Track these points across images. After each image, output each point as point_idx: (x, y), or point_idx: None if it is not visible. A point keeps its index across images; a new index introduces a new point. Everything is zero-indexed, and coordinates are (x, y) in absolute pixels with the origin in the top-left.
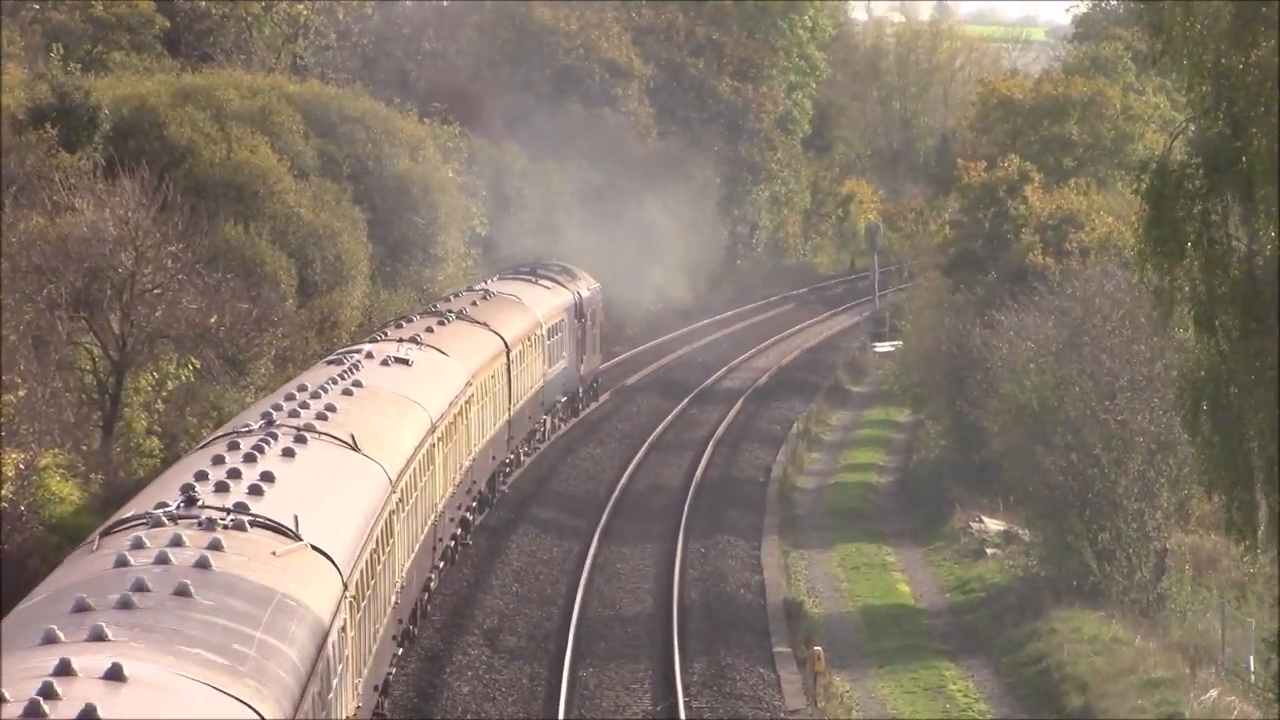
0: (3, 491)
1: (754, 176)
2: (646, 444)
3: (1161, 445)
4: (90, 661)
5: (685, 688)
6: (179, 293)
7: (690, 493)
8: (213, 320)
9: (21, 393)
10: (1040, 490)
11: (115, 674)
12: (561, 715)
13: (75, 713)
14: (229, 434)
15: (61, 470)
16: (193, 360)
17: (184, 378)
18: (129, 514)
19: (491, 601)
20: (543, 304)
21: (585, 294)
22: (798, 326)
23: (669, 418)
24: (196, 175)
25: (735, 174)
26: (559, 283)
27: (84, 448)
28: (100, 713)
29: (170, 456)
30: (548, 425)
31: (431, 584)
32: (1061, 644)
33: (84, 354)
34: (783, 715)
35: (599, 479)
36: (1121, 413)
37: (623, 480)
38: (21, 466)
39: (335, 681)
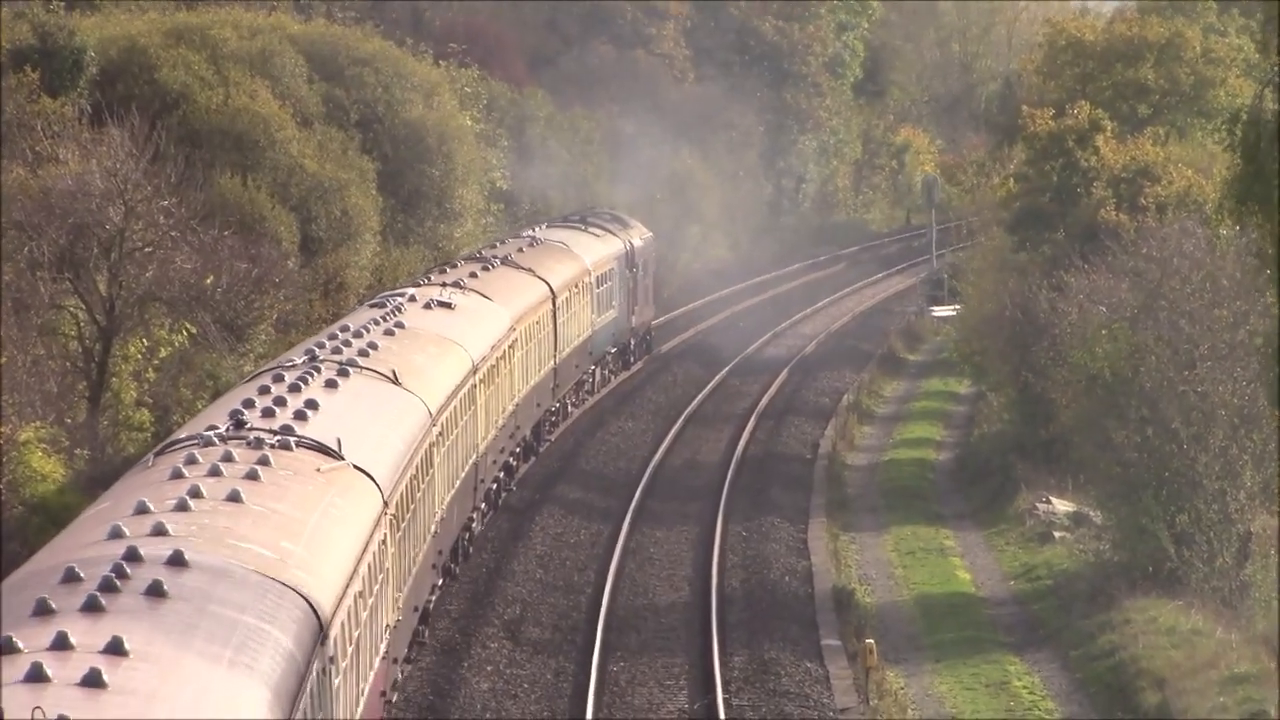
0: None
1: (800, 125)
2: (683, 417)
3: (1245, 419)
4: (153, 551)
5: (725, 684)
6: (172, 251)
7: (730, 471)
8: (209, 281)
9: (1, 361)
10: (1113, 468)
11: (177, 560)
12: (590, 714)
13: (142, 589)
14: (273, 368)
15: (44, 445)
16: (187, 325)
17: (177, 344)
18: (181, 435)
19: (513, 590)
20: (591, 252)
21: (637, 243)
22: (848, 289)
23: (707, 389)
24: (191, 123)
25: (780, 122)
26: (609, 231)
27: (68, 420)
28: (165, 588)
29: (162, 430)
30: (597, 377)
31: (474, 524)
32: (1136, 636)
33: (68, 319)
34: (832, 714)
35: (631, 455)
36: (1202, 384)
37: (657, 457)
38: (0, 441)
39: (376, 587)
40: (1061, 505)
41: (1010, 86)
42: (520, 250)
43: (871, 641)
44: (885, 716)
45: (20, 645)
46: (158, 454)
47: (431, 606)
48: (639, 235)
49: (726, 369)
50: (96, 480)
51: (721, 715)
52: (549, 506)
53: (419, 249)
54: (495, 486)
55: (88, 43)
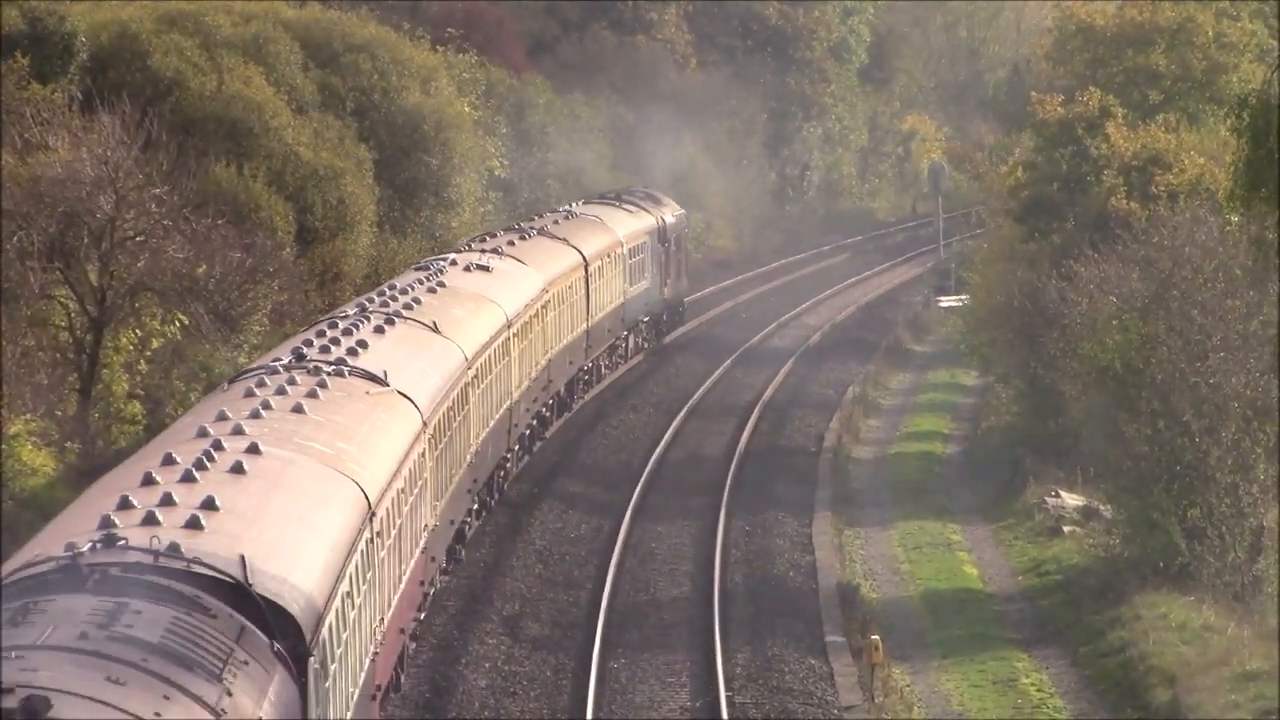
0: None
1: (805, 112)
2: (685, 410)
3: (1258, 411)
4: (234, 443)
5: (728, 681)
6: (164, 241)
7: (734, 464)
8: (201, 271)
9: None
10: (1123, 462)
11: (254, 449)
12: (590, 711)
13: (226, 468)
14: (328, 318)
15: (34, 438)
16: (179, 316)
17: (170, 335)
18: (251, 367)
19: (512, 585)
20: (624, 226)
21: (670, 220)
22: (853, 278)
23: (710, 380)
24: (184, 110)
25: (784, 109)
26: (642, 207)
27: (59, 413)
28: (245, 467)
29: (154, 423)
30: (630, 343)
31: (508, 463)
32: (1146, 632)
33: (59, 309)
34: (837, 712)
35: (632, 449)
36: (1214, 375)
37: (658, 450)
38: None
39: (415, 490)
40: (1071, 499)
41: (1019, 72)
42: (556, 222)
43: (877, 638)
44: (891, 714)
45: (134, 502)
46: (231, 381)
47: (469, 531)
48: (671, 212)
49: (730, 360)
50: (87, 474)
51: (724, 713)
52: (549, 501)
53: (416, 238)
54: (528, 432)
55: (78, 28)
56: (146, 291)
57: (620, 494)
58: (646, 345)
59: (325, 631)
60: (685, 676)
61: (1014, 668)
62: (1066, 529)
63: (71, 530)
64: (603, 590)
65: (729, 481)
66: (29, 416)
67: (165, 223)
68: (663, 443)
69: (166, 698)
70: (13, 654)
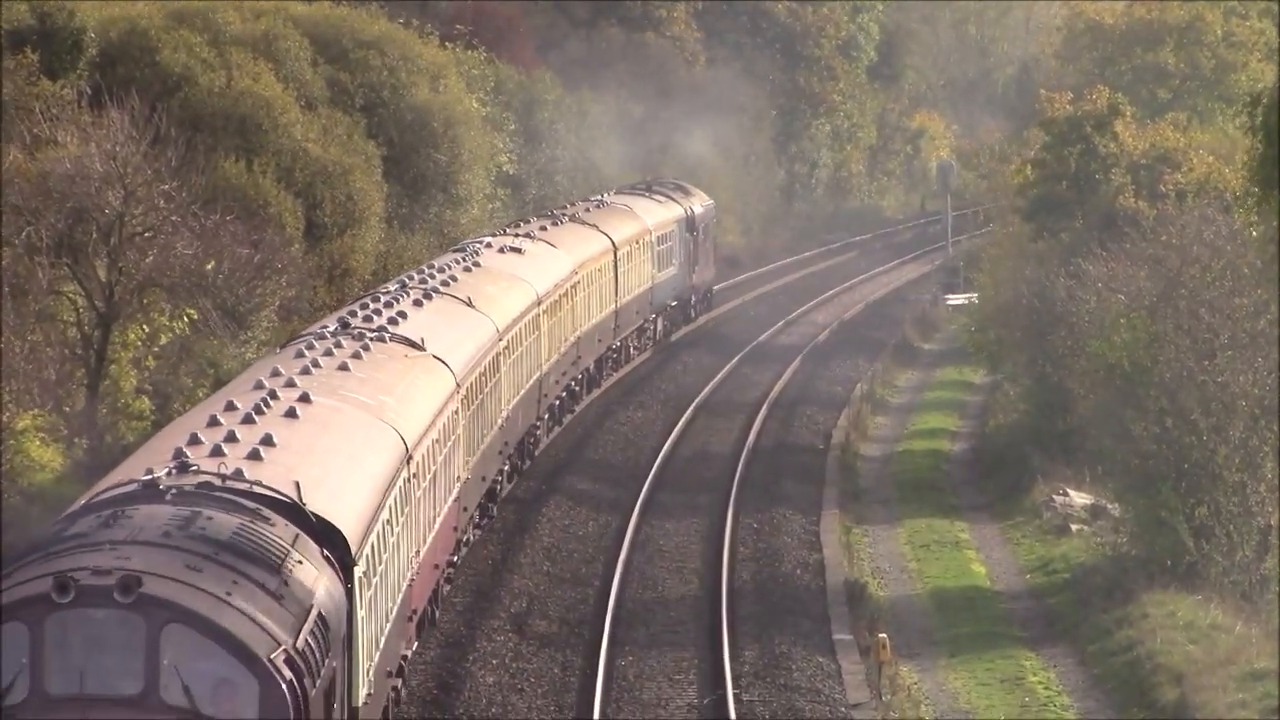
0: None
1: (813, 109)
2: (693, 407)
3: (1266, 410)
4: (288, 394)
5: (735, 678)
6: (172, 236)
7: (741, 462)
8: (210, 267)
9: None
10: (1131, 460)
11: (305, 398)
12: (597, 708)
13: (281, 412)
14: (370, 293)
15: (42, 434)
16: (188, 311)
17: (178, 331)
18: (301, 333)
19: (519, 582)
20: (653, 214)
21: (698, 210)
22: (861, 276)
23: (718, 378)
24: (193, 106)
25: (792, 106)
26: (671, 198)
27: (67, 409)
28: (298, 413)
29: (162, 418)
30: (659, 326)
31: (538, 432)
32: (1154, 631)
33: (67, 304)
34: (844, 709)
35: (639, 446)
36: (1222, 374)
37: (666, 447)
38: None
39: (449, 443)
40: (1079, 497)
41: (1028, 70)
42: (587, 210)
43: (884, 636)
44: (898, 712)
45: (203, 439)
46: (283, 346)
47: (500, 491)
48: (700, 202)
49: (738, 357)
50: (95, 469)
51: (732, 710)
52: (556, 498)
53: (424, 235)
54: (558, 403)
55: (87, 24)
56: (155, 287)
57: (628, 491)
58: (674, 328)
59: (367, 548)
60: (693, 674)
61: (1021, 666)
62: (1074, 527)
63: (149, 461)
64: (610, 587)
65: (737, 479)
66: (37, 412)
67: (174, 218)
68: (670, 440)
69: (235, 582)
70: (107, 546)
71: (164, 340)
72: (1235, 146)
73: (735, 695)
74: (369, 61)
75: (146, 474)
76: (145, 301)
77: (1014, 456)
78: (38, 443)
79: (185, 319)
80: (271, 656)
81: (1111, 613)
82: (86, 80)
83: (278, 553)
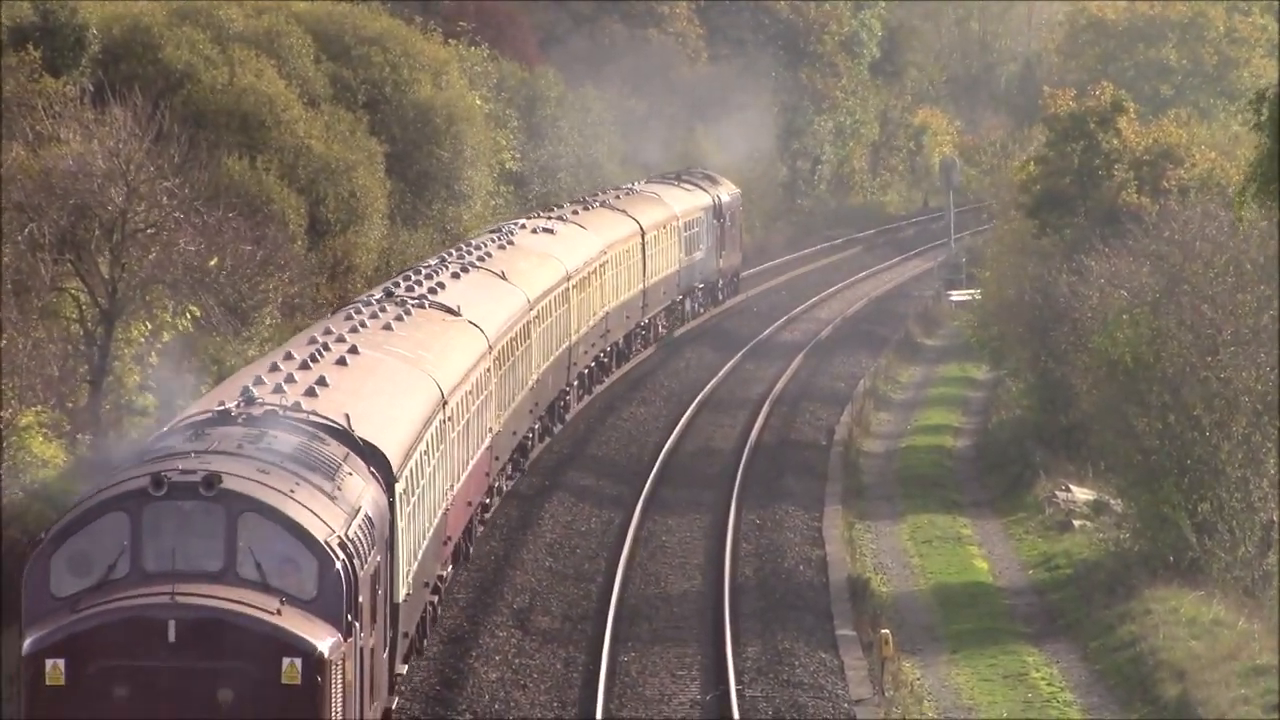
0: None
1: (816, 105)
2: (695, 402)
3: (1269, 406)
4: (338, 347)
5: (738, 674)
6: (175, 233)
7: (744, 457)
8: (213, 264)
9: (0, 344)
10: (1133, 456)
11: (353, 350)
12: (600, 704)
13: (333, 361)
14: (411, 268)
15: (45, 430)
16: (191, 308)
17: (181, 327)
18: (351, 300)
19: (522, 578)
20: (681, 202)
21: (725, 198)
22: (864, 272)
23: (721, 373)
24: (195, 103)
25: (795, 103)
26: (699, 186)
27: (70, 405)
28: (347, 361)
29: (165, 416)
30: (688, 307)
31: (567, 396)
32: (1156, 626)
33: (70, 301)
34: (847, 705)
35: (642, 442)
36: (1224, 369)
37: (669, 443)
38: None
39: (482, 396)
40: (1081, 493)
41: (1030, 67)
42: (617, 196)
43: (887, 632)
44: (901, 708)
45: (265, 380)
46: (333, 311)
47: (531, 446)
48: (727, 191)
49: (741, 353)
50: (98, 466)
51: (734, 706)
52: (559, 494)
53: (427, 231)
54: (587, 372)
55: (90, 21)
56: (158, 284)
57: (631, 487)
58: (702, 310)
59: (407, 471)
60: (696, 670)
61: (1024, 662)
62: (1076, 523)
63: (221, 397)
64: (613, 583)
65: (739, 475)
66: (40, 408)
67: (177, 215)
68: (673, 436)
69: (297, 484)
70: (191, 454)
71: (167, 337)
72: (1237, 142)
73: (738, 691)
74: (371, 58)
75: (219, 405)
76: (148, 298)
77: (1016, 452)
78: (40, 439)
79: (188, 316)
80: (327, 540)
81: (1114, 608)
82: (89, 77)
83: (331, 464)
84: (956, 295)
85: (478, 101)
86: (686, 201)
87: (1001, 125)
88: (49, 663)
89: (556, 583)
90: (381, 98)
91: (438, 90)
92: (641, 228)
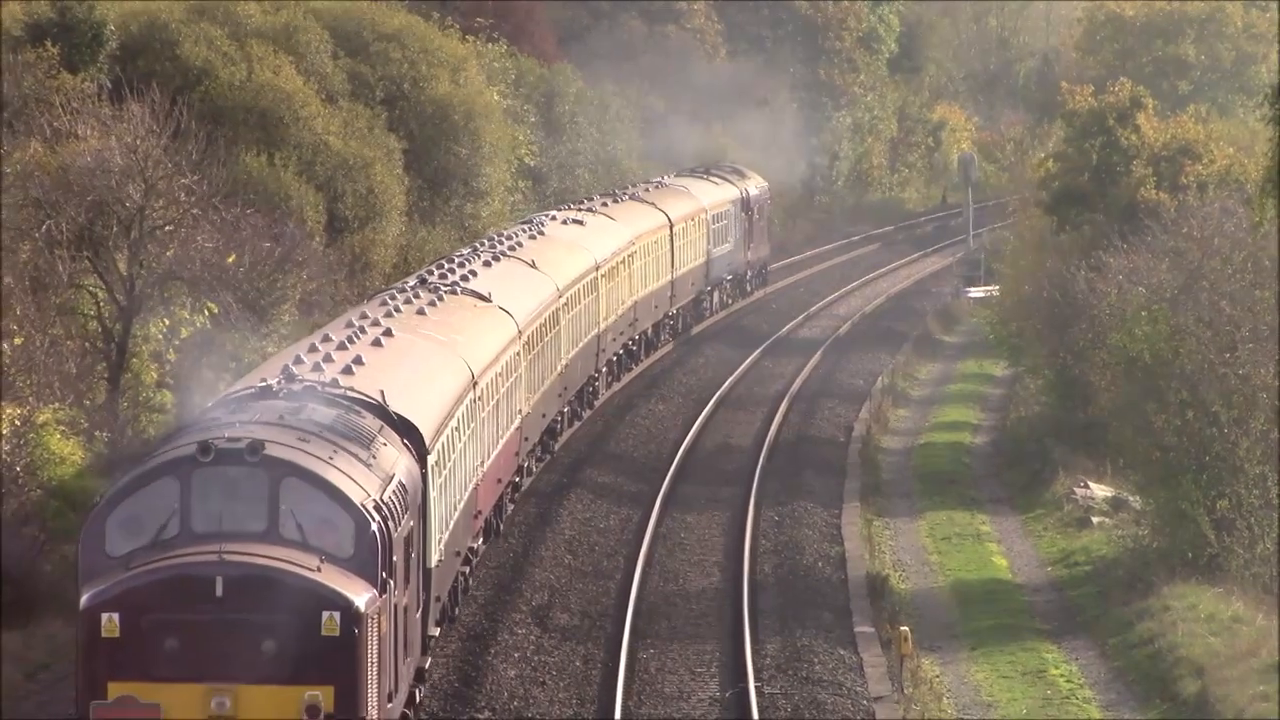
0: None
1: (834, 101)
2: (714, 400)
3: None
4: (374, 330)
5: (757, 671)
6: (193, 230)
7: (763, 454)
8: (231, 260)
9: (18, 341)
10: (1152, 452)
11: (388, 333)
12: (619, 701)
13: (369, 342)
14: (444, 257)
15: (62, 427)
16: (209, 305)
17: (199, 324)
18: (385, 288)
19: (541, 575)
20: (709, 195)
21: (753, 192)
22: (883, 269)
23: (739, 370)
24: (213, 99)
25: (813, 98)
26: (728, 180)
27: (87, 402)
28: (382, 343)
29: (184, 413)
30: (715, 299)
31: (596, 382)
32: (1175, 623)
33: (87, 298)
34: (865, 702)
35: (661, 439)
36: (1243, 366)
37: (687, 440)
38: (18, 423)
39: (511, 379)
40: (1100, 490)
41: (1049, 63)
42: (647, 190)
43: (906, 629)
44: (920, 705)
45: (305, 359)
46: (369, 298)
47: (560, 432)
48: (755, 185)
49: (759, 349)
50: (116, 464)
51: (753, 703)
52: (577, 491)
53: (445, 227)
54: (615, 359)
55: (107, 17)
56: (175, 280)
57: (649, 484)
58: (730, 301)
59: (439, 445)
60: (714, 667)
61: (1043, 659)
62: (1095, 520)
63: (262, 375)
64: (632, 580)
65: (758, 472)
66: (58, 405)
67: (194, 212)
68: (692, 433)
69: (335, 451)
70: (237, 424)
71: (185, 334)
72: (1256, 138)
73: (757, 688)
74: (389, 54)
75: (262, 381)
76: (166, 295)
77: (1035, 449)
78: (58, 436)
79: (206, 312)
80: (363, 502)
81: (1133, 605)
82: (107, 74)
83: (367, 435)
84: (975, 292)
85: (496, 97)
86: (715, 195)
87: (1020, 121)
88: (104, 616)
89: (575, 580)
90: (400, 94)
91: (456, 86)
92: (670, 220)
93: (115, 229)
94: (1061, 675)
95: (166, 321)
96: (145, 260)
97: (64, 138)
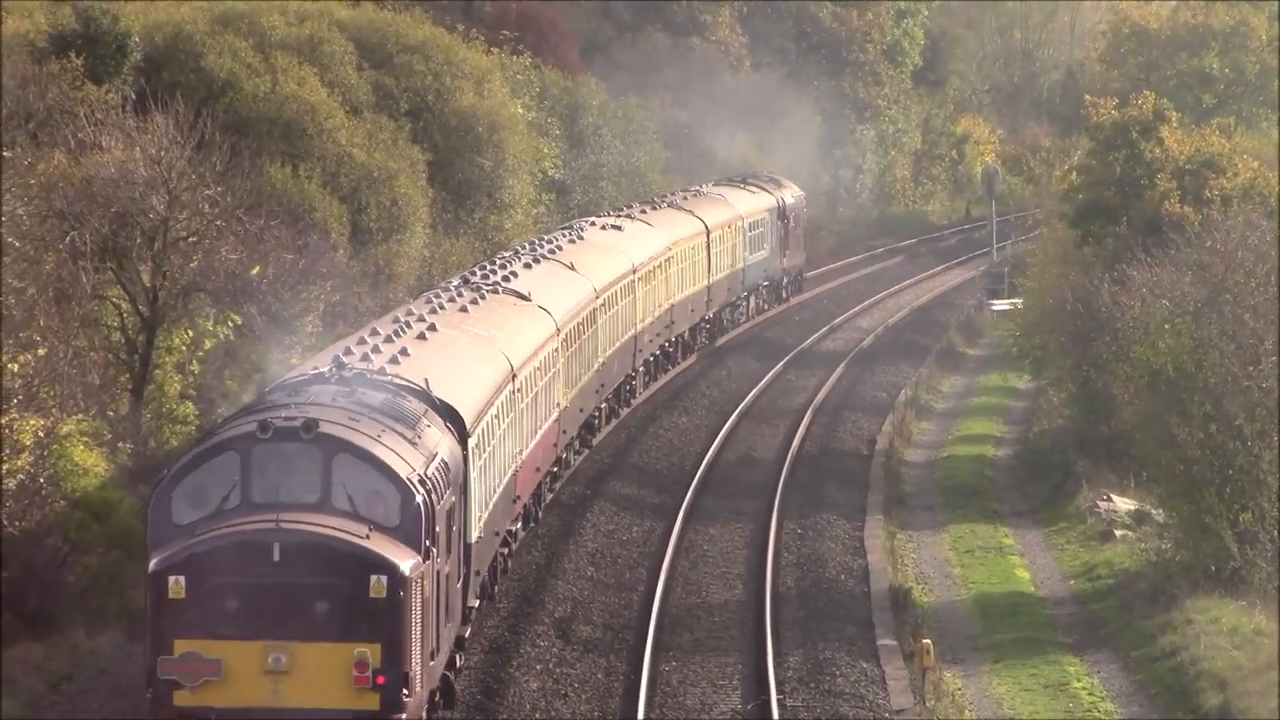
0: (19, 462)
1: (858, 114)
2: (737, 412)
3: None
4: (419, 325)
5: (779, 684)
6: (217, 241)
7: (786, 467)
8: (254, 272)
9: (41, 352)
10: (1175, 465)
11: (432, 328)
12: (641, 713)
13: (414, 336)
14: (489, 258)
15: (85, 439)
16: (232, 316)
17: (222, 336)
18: (431, 287)
19: (563, 588)
20: (745, 203)
21: (789, 200)
22: (906, 281)
23: (762, 383)
24: (237, 110)
25: (837, 111)
26: (764, 189)
27: (111, 413)
28: (427, 336)
29: (206, 424)
30: (751, 304)
31: (633, 381)
32: (1198, 636)
33: (111, 309)
34: (888, 715)
35: (684, 451)
36: (1267, 379)
37: (710, 452)
38: (41, 434)
39: (549, 374)
40: (1123, 503)
41: (1073, 75)
42: (684, 197)
43: (929, 641)
44: (942, 717)
45: (354, 351)
46: (414, 297)
47: (598, 426)
48: (791, 194)
49: (782, 362)
50: (139, 475)
51: (775, 716)
52: (600, 503)
53: (469, 239)
54: (653, 360)
55: (132, 28)
56: (199, 292)
57: (673, 496)
58: (767, 307)
59: (479, 430)
60: (737, 679)
61: (1065, 672)
62: (1118, 533)
63: (314, 364)
64: (654, 592)
65: (781, 484)
66: (81, 416)
67: (218, 223)
68: (715, 445)
69: (383, 430)
70: (292, 405)
71: (208, 345)
72: None
73: (779, 701)
74: (414, 66)
75: (314, 369)
76: (190, 306)
77: (1058, 462)
78: (81, 447)
79: (229, 324)
80: (408, 476)
81: (1155, 618)
82: (131, 85)
83: (412, 417)
84: (998, 304)
85: (520, 110)
86: (751, 203)
87: (1044, 134)
88: (171, 579)
89: (598, 592)
90: (424, 106)
91: (480, 98)
92: (707, 227)
93: (139, 240)
94: (1084, 688)
95: (190, 333)
96: (169, 271)
97: (88, 149)
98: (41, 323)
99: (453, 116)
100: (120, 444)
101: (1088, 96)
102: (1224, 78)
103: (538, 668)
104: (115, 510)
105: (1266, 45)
